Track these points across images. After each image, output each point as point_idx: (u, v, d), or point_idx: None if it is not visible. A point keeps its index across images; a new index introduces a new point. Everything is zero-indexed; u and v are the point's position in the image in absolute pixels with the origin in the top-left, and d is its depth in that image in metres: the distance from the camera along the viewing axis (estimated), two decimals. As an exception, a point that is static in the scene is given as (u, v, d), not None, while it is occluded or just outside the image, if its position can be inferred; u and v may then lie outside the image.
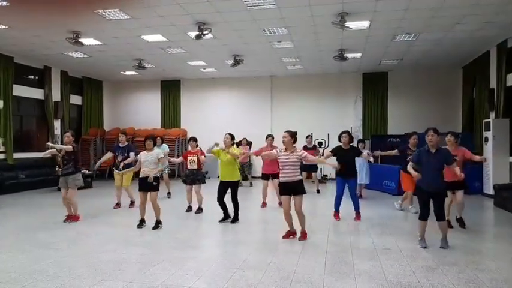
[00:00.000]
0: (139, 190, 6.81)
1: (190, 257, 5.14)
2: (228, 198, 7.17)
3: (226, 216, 7.27)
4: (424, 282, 4.19)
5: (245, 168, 11.78)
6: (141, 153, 7.01)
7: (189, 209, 8.27)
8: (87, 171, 11.88)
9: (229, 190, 7.15)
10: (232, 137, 7.26)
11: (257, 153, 8.11)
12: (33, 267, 4.73)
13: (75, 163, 7.34)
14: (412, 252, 5.30)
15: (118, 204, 8.82)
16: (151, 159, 6.79)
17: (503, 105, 10.24)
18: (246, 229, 6.77)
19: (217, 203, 7.21)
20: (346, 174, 7.33)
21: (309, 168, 11.06)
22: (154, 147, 10.06)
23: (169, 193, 10.30)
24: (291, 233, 6.06)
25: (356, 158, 7.55)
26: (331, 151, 7.56)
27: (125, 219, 6.70)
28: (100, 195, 10.79)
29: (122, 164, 8.61)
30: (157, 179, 6.80)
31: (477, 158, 6.97)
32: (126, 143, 8.89)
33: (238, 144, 12.60)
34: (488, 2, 7.68)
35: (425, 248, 5.46)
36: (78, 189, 7.40)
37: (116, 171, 8.79)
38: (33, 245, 5.70)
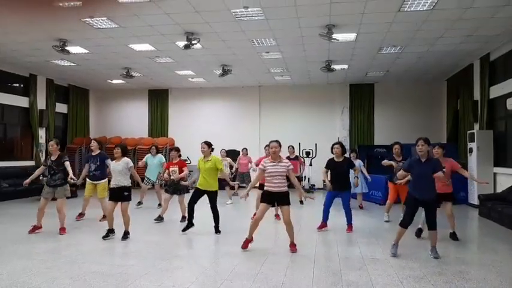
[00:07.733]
0: (110, 199, 6.63)
1: (176, 267, 5.07)
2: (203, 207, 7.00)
3: (190, 224, 7.03)
4: (411, 292, 4.21)
5: (245, 178, 11.66)
6: (111, 162, 6.87)
7: (159, 218, 8.03)
8: (72, 180, 11.65)
9: (205, 200, 6.94)
10: (209, 145, 7.09)
11: (258, 164, 7.98)
12: (16, 278, 4.61)
13: (65, 174, 7.10)
14: (399, 261, 5.31)
15: (82, 214, 8.33)
16: (118, 168, 6.56)
17: (486, 116, 10.44)
18: (233, 239, 6.67)
19: (187, 206, 7.04)
20: (339, 187, 7.19)
21: None
22: (147, 156, 10.01)
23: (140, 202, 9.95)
24: (249, 241, 5.97)
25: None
26: (325, 167, 7.39)
27: (110, 229, 6.64)
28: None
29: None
30: (128, 189, 6.62)
31: (466, 173, 7.11)
32: (99, 151, 8.18)
33: (238, 154, 12.52)
34: (470, 16, 7.88)
35: (394, 255, 5.49)
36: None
37: (88, 181, 8.18)
38: (16, 256, 5.56)
